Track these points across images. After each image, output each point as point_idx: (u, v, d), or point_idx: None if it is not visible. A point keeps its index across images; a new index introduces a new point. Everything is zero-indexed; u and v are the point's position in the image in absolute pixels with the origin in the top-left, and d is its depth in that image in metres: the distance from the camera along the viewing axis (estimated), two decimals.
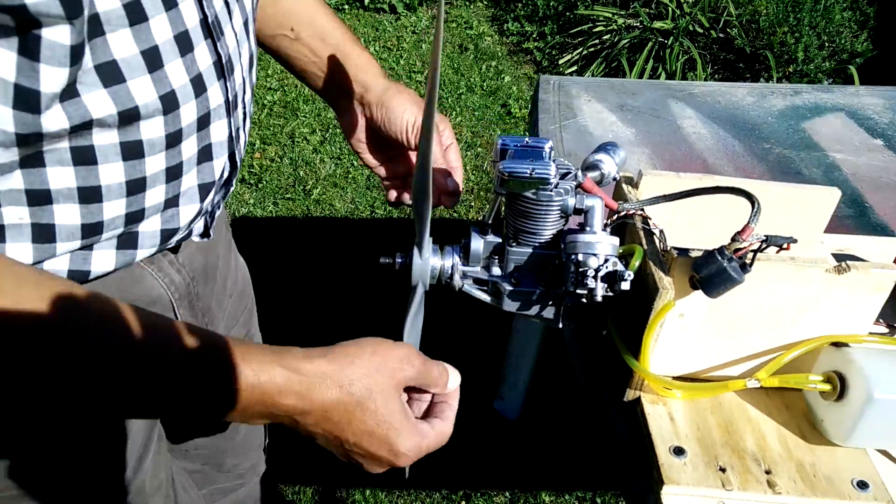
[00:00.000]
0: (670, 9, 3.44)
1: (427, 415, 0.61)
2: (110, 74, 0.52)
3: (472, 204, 2.71)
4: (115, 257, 0.62)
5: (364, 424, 0.53)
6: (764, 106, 1.42)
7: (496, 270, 0.73)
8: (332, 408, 0.52)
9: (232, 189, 0.73)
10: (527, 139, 0.70)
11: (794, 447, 0.67)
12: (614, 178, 0.77)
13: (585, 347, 0.83)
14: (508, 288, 0.72)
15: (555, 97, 1.35)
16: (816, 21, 3.39)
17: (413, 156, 0.86)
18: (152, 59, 0.54)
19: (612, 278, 0.65)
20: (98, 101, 0.52)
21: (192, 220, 0.68)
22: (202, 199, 0.67)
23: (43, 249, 0.57)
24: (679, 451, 0.66)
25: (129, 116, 0.55)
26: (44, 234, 0.56)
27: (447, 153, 0.80)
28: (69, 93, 0.50)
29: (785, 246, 0.65)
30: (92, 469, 0.71)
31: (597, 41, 3.51)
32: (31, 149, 0.52)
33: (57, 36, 0.47)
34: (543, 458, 1.76)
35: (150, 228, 0.64)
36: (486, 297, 0.74)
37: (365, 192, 2.76)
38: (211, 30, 0.59)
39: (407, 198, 0.87)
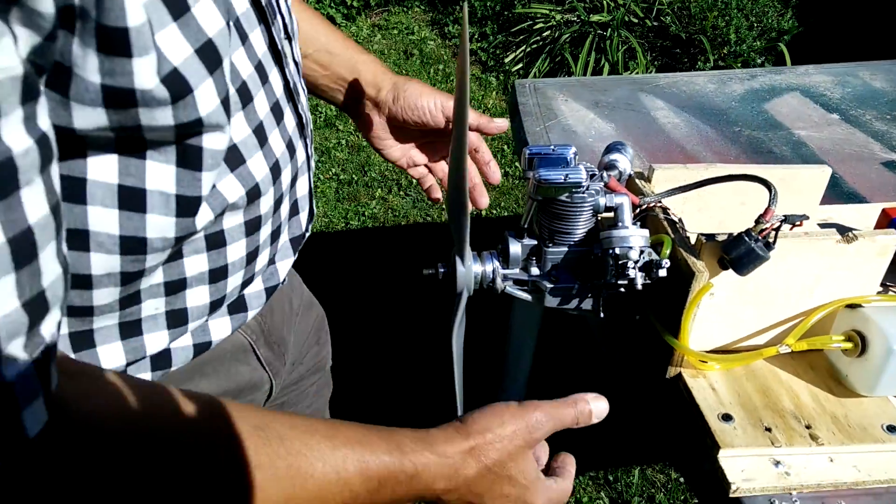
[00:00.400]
0: (605, 2, 3.55)
1: (550, 471, 0.64)
2: (234, 159, 0.54)
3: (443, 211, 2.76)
4: (229, 323, 0.65)
5: (502, 489, 0.55)
6: (725, 91, 1.50)
7: (535, 270, 0.78)
8: (474, 482, 0.54)
9: (308, 234, 0.75)
10: (552, 147, 0.75)
11: (826, 402, 0.74)
12: (629, 175, 0.83)
13: (619, 334, 0.89)
14: (549, 286, 0.77)
15: (533, 100, 1.40)
16: (743, 3, 3.55)
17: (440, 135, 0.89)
18: (260, 135, 0.56)
19: (649, 267, 0.71)
20: (230, 187, 0.54)
21: (288, 272, 0.70)
22: (294, 252, 0.70)
23: (176, 332, 0.59)
24: (727, 418, 0.72)
25: (252, 194, 0.57)
26: (177, 318, 0.58)
27: (487, 168, 0.84)
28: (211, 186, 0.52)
29: (798, 223, 0.72)
30: None
31: (538, 38, 3.60)
32: (178, 245, 0.53)
33: (214, 143, 0.48)
34: (551, 443, 1.82)
35: (255, 290, 0.66)
36: (527, 297, 0.79)
37: (336, 204, 2.78)
38: (292, 93, 0.63)
39: (431, 186, 0.90)
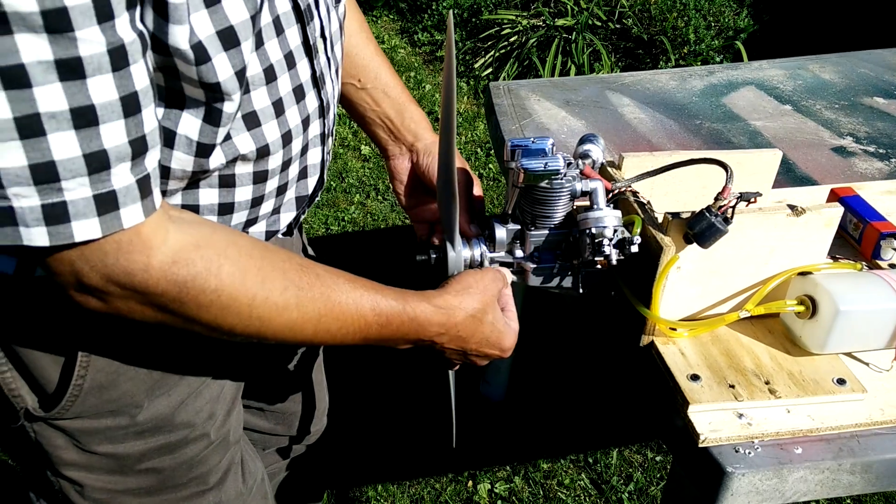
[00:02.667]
0: (569, 6, 3.66)
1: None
2: (252, 121, 0.67)
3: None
4: None
5: (483, 334, 0.75)
6: (686, 88, 1.59)
7: (519, 253, 0.85)
8: (462, 327, 0.73)
9: (317, 199, 0.87)
10: (532, 139, 0.82)
11: (783, 361, 0.83)
12: (602, 163, 0.91)
13: (596, 310, 0.96)
14: (532, 266, 0.84)
15: (508, 100, 1.48)
16: (701, 4, 3.68)
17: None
18: (279, 107, 0.68)
19: (622, 245, 0.79)
20: (244, 141, 0.67)
21: (289, 224, 0.82)
22: (298, 208, 0.81)
23: None
24: (695, 378, 0.80)
25: (262, 152, 0.69)
26: None
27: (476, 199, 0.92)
28: (226, 137, 0.66)
29: (753, 200, 0.80)
30: (198, 416, 0.85)
31: (506, 43, 3.69)
32: (195, 178, 0.67)
33: (230, 107, 0.63)
34: (534, 431, 1.89)
35: (257, 230, 0.78)
36: (513, 277, 0.86)
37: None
38: (318, 81, 0.74)
39: (435, 240, 0.98)
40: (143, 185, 0.54)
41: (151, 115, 0.54)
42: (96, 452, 0.78)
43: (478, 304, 0.74)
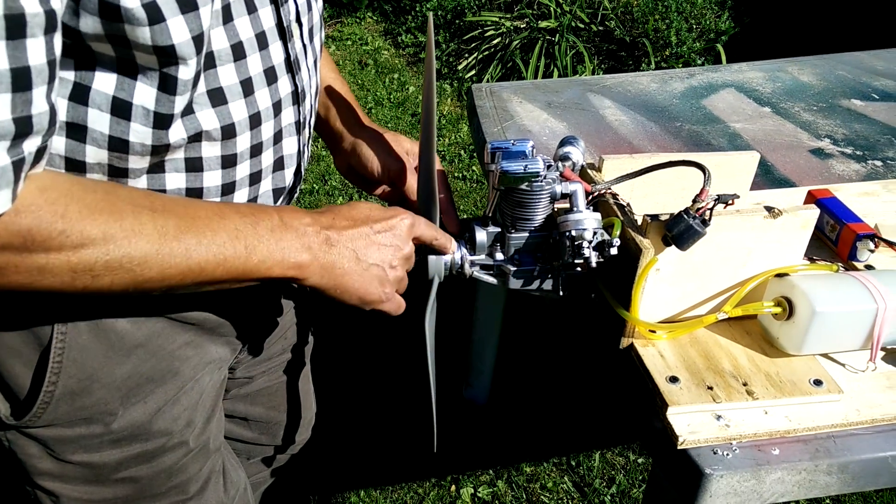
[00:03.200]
0: (552, 8, 3.67)
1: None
2: (217, 97, 0.67)
3: None
4: None
5: (368, 211, 0.73)
6: (667, 90, 1.61)
7: (499, 256, 0.85)
8: (338, 210, 0.72)
9: (296, 195, 0.86)
10: (512, 141, 0.83)
11: (760, 362, 0.83)
12: (582, 166, 0.91)
13: (576, 312, 0.97)
14: (512, 269, 0.84)
15: (490, 102, 1.48)
16: (682, 6, 3.71)
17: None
18: (247, 87, 0.69)
19: (602, 247, 0.79)
20: (207, 117, 0.67)
21: None
22: (275, 201, 0.80)
23: None
24: (674, 380, 0.81)
25: (228, 131, 0.68)
26: None
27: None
28: (187, 110, 0.65)
29: (730, 202, 0.81)
30: (176, 424, 0.84)
31: (490, 45, 3.70)
32: (158, 157, 0.66)
33: (186, 74, 0.62)
34: (517, 434, 1.90)
35: None
36: (493, 280, 0.87)
37: None
38: (292, 66, 0.74)
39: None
40: (17, 170, 0.51)
41: (43, 99, 0.52)
42: (71, 461, 0.77)
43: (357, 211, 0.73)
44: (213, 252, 0.61)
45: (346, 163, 0.97)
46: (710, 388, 0.80)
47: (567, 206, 0.83)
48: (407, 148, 0.93)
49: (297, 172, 0.83)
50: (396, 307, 0.76)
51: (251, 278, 0.65)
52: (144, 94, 0.61)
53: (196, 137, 0.67)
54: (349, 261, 0.70)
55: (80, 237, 0.55)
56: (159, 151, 0.66)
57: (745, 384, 0.81)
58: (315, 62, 0.82)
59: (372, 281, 0.72)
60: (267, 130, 0.74)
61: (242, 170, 0.74)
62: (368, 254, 0.72)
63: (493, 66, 3.64)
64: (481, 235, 0.85)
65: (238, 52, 0.67)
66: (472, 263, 0.85)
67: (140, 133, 0.63)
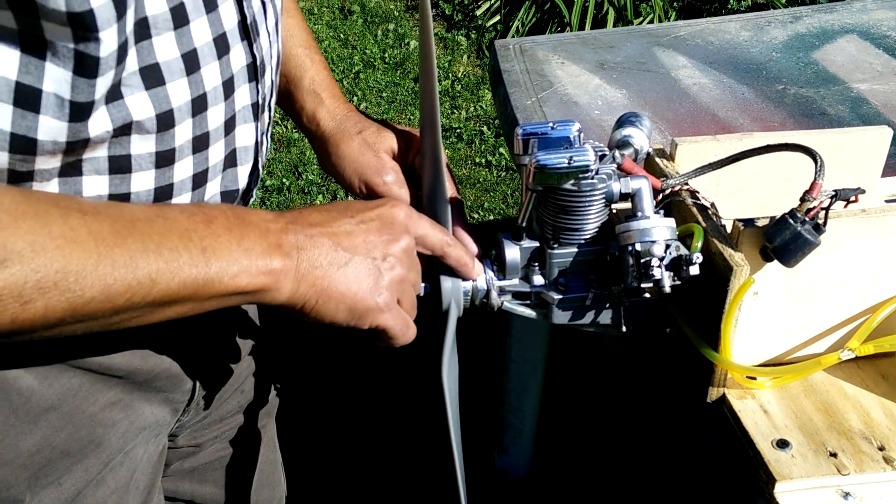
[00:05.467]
0: None
1: None
2: (152, 77, 0.68)
3: None
4: None
5: (344, 207, 0.76)
6: (763, 40, 1.62)
7: (538, 279, 0.86)
8: (308, 210, 0.74)
9: (252, 200, 0.88)
10: (551, 124, 0.84)
11: None
12: (648, 153, 0.92)
13: (644, 354, 0.97)
14: (556, 297, 0.85)
15: (520, 65, 1.50)
16: None
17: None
18: (191, 62, 0.70)
19: (678, 265, 0.80)
20: (139, 104, 0.68)
21: None
22: None
23: None
24: (783, 444, 0.81)
25: (165, 120, 0.70)
26: None
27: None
28: (113, 95, 0.66)
29: (853, 198, 0.81)
30: None
31: None
32: (73, 156, 0.67)
33: (108, 48, 0.62)
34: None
35: None
36: (531, 313, 0.88)
37: None
38: (248, 31, 0.75)
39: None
40: None
41: None
42: None
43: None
44: (164, 259, 0.63)
45: (320, 156, 0.99)
46: (834, 455, 0.80)
47: (629, 209, 0.84)
48: (392, 147, 0.94)
49: (255, 170, 0.85)
50: (402, 326, 0.77)
51: (212, 294, 0.66)
52: (57, 78, 0.62)
53: (124, 130, 0.69)
54: (329, 258, 0.71)
55: (3, 252, 0.56)
56: (75, 149, 0.67)
57: (881, 448, 0.81)
58: (276, 24, 0.83)
59: (362, 279, 0.72)
60: (215, 117, 0.75)
61: (183, 169, 0.75)
62: (353, 245, 0.73)
63: (523, 9, 3.66)
64: (512, 252, 0.86)
65: (179, 16, 0.68)
66: (502, 290, 0.87)
67: (52, 129, 0.64)
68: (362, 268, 0.73)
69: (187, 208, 0.67)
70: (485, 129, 3.24)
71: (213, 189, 0.80)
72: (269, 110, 0.85)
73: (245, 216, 0.69)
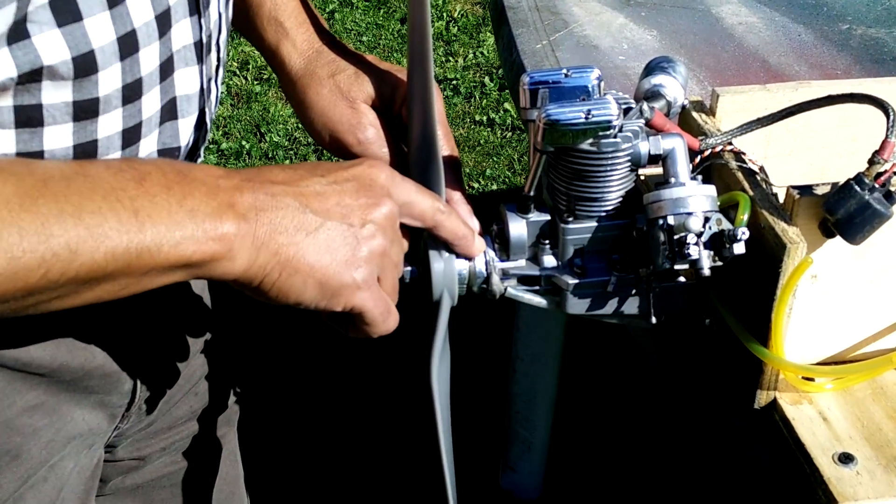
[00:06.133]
0: None
1: None
2: (65, 11, 0.65)
3: None
4: None
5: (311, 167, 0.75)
6: None
7: (549, 260, 0.86)
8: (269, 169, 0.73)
9: (200, 160, 0.87)
10: (564, 71, 0.83)
11: None
12: (683, 106, 0.91)
13: (678, 349, 0.97)
14: (572, 281, 0.85)
15: (528, 0, 1.49)
16: None
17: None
18: None
19: (719, 242, 0.79)
20: (50, 44, 0.66)
21: None
22: None
23: None
24: (846, 459, 0.81)
25: (85, 64, 0.69)
26: None
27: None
28: (17, 33, 0.64)
29: None
30: None
31: None
32: None
33: None
34: None
35: None
36: (540, 302, 0.87)
37: None
38: None
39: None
40: None
41: None
42: None
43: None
44: (85, 224, 0.61)
45: (291, 104, 0.97)
46: None
47: (660, 175, 0.83)
48: (371, 94, 0.91)
49: (201, 124, 0.84)
50: (382, 310, 0.75)
51: (150, 266, 0.64)
52: None
53: (32, 76, 0.68)
54: (296, 221, 0.70)
55: None
56: None
57: None
58: None
59: (336, 249, 0.71)
60: (149, 60, 0.74)
61: (109, 123, 0.75)
62: (325, 208, 0.71)
63: None
64: (518, 228, 0.85)
65: None
66: (506, 274, 0.86)
67: None
68: (336, 235, 0.71)
69: (114, 164, 0.66)
70: (486, 80, 3.23)
71: (148, 147, 0.79)
72: (218, 50, 0.84)
73: (188, 171, 0.67)
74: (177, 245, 0.64)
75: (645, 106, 0.85)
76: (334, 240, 0.71)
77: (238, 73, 3.26)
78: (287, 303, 0.71)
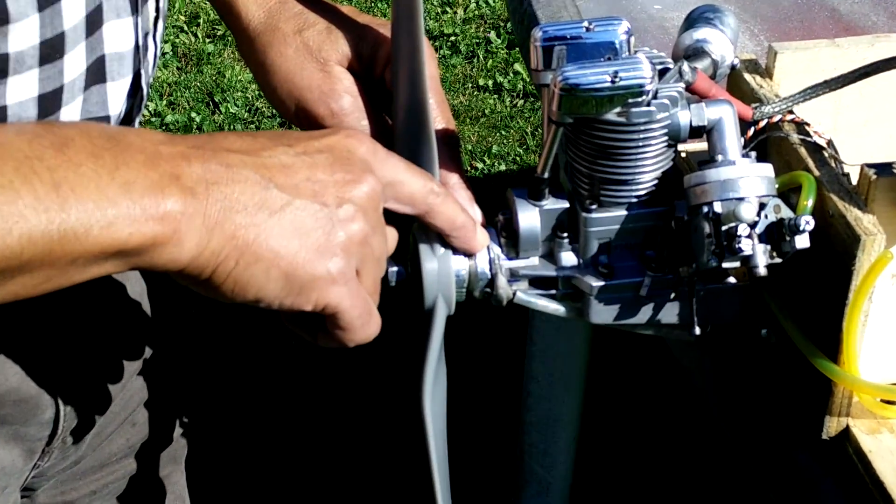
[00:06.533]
0: None
1: None
2: None
3: None
4: None
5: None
6: None
7: (568, 258, 0.86)
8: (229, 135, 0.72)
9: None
10: (586, 24, 0.83)
11: None
12: (732, 66, 0.91)
13: (727, 368, 0.96)
14: (596, 284, 0.84)
15: None
16: None
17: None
18: None
19: (778, 234, 0.79)
20: None
21: None
22: None
23: None
24: None
25: None
26: None
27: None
28: None
29: None
30: None
31: None
32: None
33: None
34: None
35: None
36: (558, 309, 0.87)
37: None
38: None
39: None
40: None
41: None
42: None
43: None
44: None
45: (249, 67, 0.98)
46: None
47: (705, 151, 0.83)
48: (347, 53, 0.91)
49: (136, 89, 0.85)
50: (361, 311, 0.74)
51: (75, 254, 0.63)
52: None
53: None
54: (258, 198, 0.69)
55: None
56: None
57: None
58: None
59: (306, 232, 0.70)
60: (72, 11, 0.75)
61: (22, 86, 0.76)
62: (293, 183, 0.71)
63: None
64: (529, 218, 0.85)
65: None
66: (514, 275, 0.86)
67: None
68: (306, 215, 0.70)
69: (28, 128, 0.65)
70: (492, 35, 3.23)
71: (69, 116, 0.79)
72: (160, 2, 0.85)
73: (121, 136, 0.66)
74: (109, 226, 0.63)
75: (685, 66, 0.85)
76: (304, 221, 0.69)
77: (186, 28, 3.26)
78: (245, 300, 0.69)
